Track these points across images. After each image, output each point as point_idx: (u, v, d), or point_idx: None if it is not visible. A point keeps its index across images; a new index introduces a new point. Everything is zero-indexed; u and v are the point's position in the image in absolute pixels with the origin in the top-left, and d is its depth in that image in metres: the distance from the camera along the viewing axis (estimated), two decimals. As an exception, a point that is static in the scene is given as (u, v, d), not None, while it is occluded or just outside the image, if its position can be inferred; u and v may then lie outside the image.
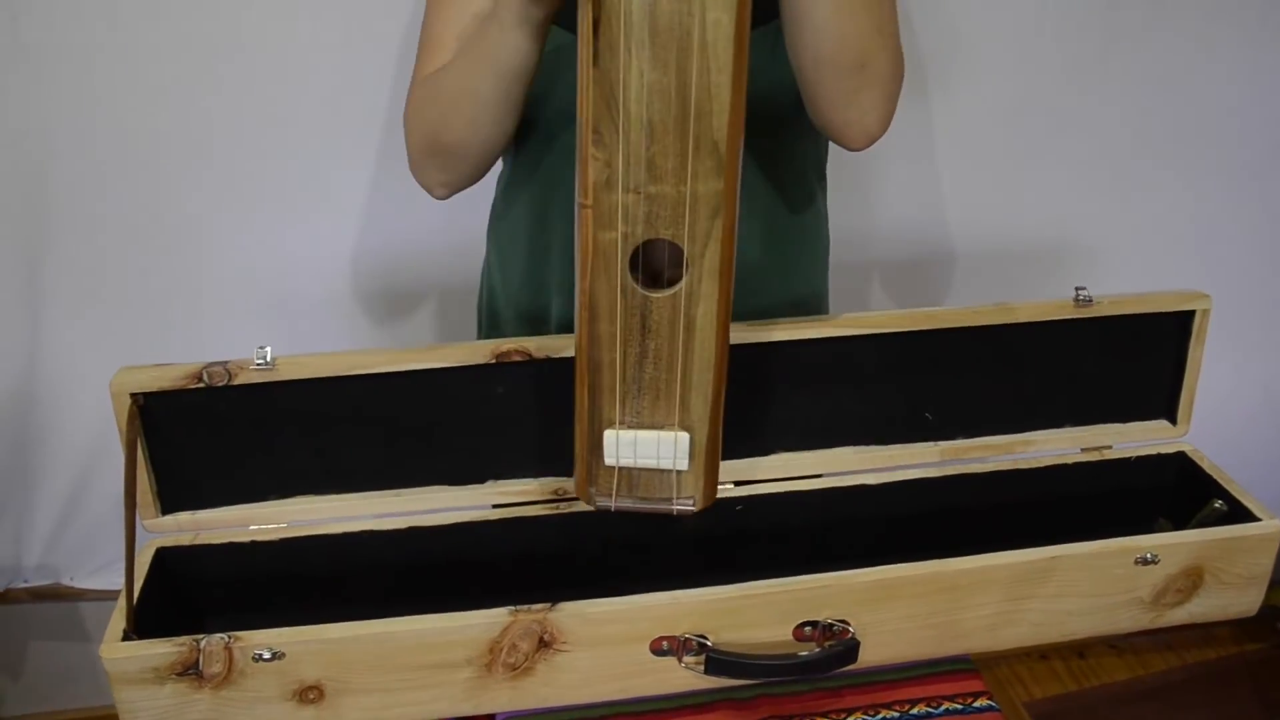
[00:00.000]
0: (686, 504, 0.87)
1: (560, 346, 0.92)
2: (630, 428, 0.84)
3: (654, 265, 0.79)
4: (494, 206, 1.15)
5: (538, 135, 1.03)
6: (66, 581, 1.61)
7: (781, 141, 1.04)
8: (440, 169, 0.98)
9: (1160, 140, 1.59)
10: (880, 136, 0.96)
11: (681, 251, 0.77)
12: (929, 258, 1.61)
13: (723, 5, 0.70)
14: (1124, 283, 1.62)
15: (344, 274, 1.46)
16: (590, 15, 0.70)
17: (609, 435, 0.84)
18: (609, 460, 0.85)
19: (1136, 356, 1.06)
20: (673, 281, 0.79)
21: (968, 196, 1.58)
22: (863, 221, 1.54)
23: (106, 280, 1.40)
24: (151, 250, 1.39)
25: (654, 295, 0.78)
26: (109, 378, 0.88)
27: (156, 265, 1.40)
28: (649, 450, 0.84)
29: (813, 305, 1.15)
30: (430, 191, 1.01)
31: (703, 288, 0.78)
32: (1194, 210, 1.65)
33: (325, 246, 1.44)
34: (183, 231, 1.39)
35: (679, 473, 0.86)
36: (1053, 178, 1.59)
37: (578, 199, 0.76)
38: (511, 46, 0.84)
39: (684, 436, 0.84)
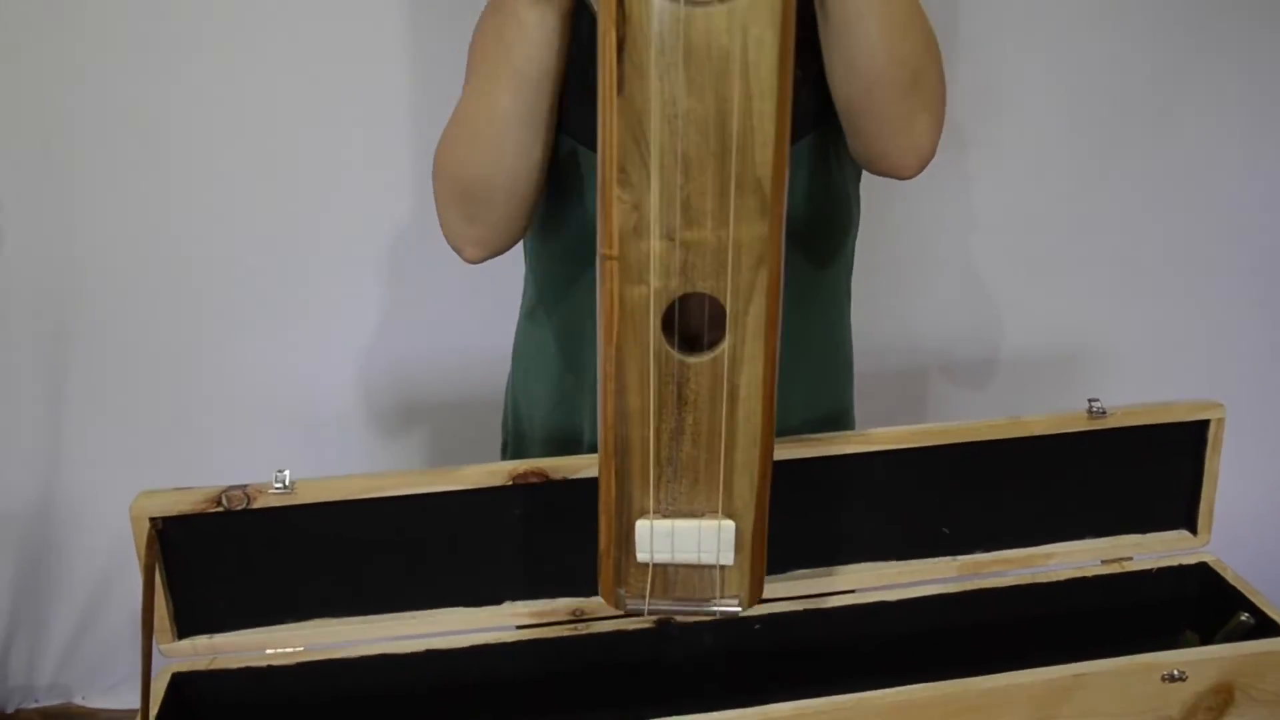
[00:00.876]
0: (731, 604, 0.77)
1: (577, 467, 0.92)
2: (666, 517, 0.73)
3: (689, 326, 0.70)
4: (519, 327, 1.16)
5: (562, 254, 1.03)
6: (79, 701, 1.60)
7: (808, 258, 1.04)
8: (468, 219, 0.93)
9: (1168, 246, 1.61)
10: (931, 159, 0.93)
11: (722, 308, 0.67)
12: (941, 365, 1.62)
13: (767, 19, 0.61)
14: (1138, 386, 1.63)
15: (365, 389, 1.48)
16: (614, 35, 0.62)
17: (641, 526, 0.74)
18: (641, 556, 0.75)
19: (1153, 467, 1.06)
20: (712, 344, 0.69)
21: (980, 304, 1.60)
22: (879, 330, 1.56)
23: (127, 397, 1.42)
24: (172, 368, 1.42)
25: (691, 360, 0.69)
26: (127, 495, 0.89)
27: (177, 382, 1.43)
28: (688, 543, 0.74)
29: (838, 420, 1.15)
30: (461, 252, 0.96)
31: (747, 350, 0.68)
32: (1203, 314, 1.66)
33: (347, 362, 1.46)
34: (203, 349, 1.42)
35: (723, 568, 0.75)
36: (1063, 285, 1.61)
37: (600, 249, 0.67)
38: (527, 41, 0.79)
39: (728, 525, 0.73)
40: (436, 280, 1.37)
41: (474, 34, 1.00)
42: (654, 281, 0.66)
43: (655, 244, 0.66)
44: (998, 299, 1.60)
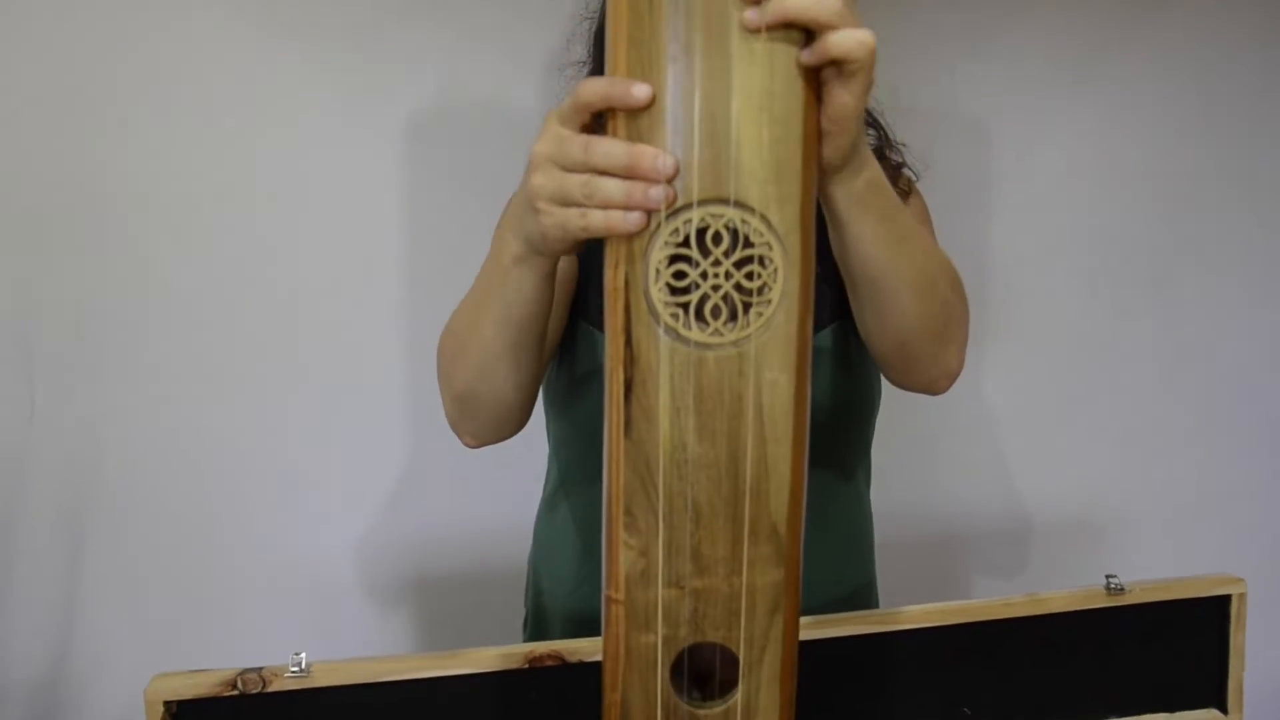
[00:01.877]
0: None
1: (596, 650, 0.92)
2: None
3: (700, 666, 0.67)
4: (541, 508, 1.17)
5: (583, 440, 1.05)
6: None
7: (829, 442, 1.05)
8: (461, 415, 0.96)
9: (1179, 411, 1.62)
10: (960, 373, 0.95)
11: (735, 656, 0.65)
12: (959, 533, 1.62)
13: (780, 364, 0.62)
14: (1158, 552, 1.63)
15: (385, 563, 1.48)
16: (622, 376, 0.63)
17: None
18: None
19: (1176, 643, 1.05)
20: (725, 686, 0.66)
21: (998, 472, 1.61)
22: (890, 502, 1.56)
23: (143, 570, 1.42)
24: (189, 541, 1.43)
25: (702, 711, 0.65)
26: (139, 668, 0.89)
27: (193, 554, 1.43)
28: None
29: (862, 598, 1.15)
30: (460, 438, 0.99)
31: (761, 699, 0.65)
32: (1219, 477, 1.66)
33: (366, 536, 1.47)
34: (222, 523, 1.43)
35: None
36: (1078, 452, 1.62)
37: (605, 589, 0.65)
38: (514, 287, 0.80)
39: None
40: (456, 455, 1.39)
41: (499, 222, 1.05)
42: (662, 630, 0.64)
43: (663, 592, 0.64)
44: (1015, 467, 1.61)
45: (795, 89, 0.63)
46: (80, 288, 1.35)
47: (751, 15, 0.60)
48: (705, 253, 0.63)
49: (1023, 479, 1.62)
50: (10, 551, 1.39)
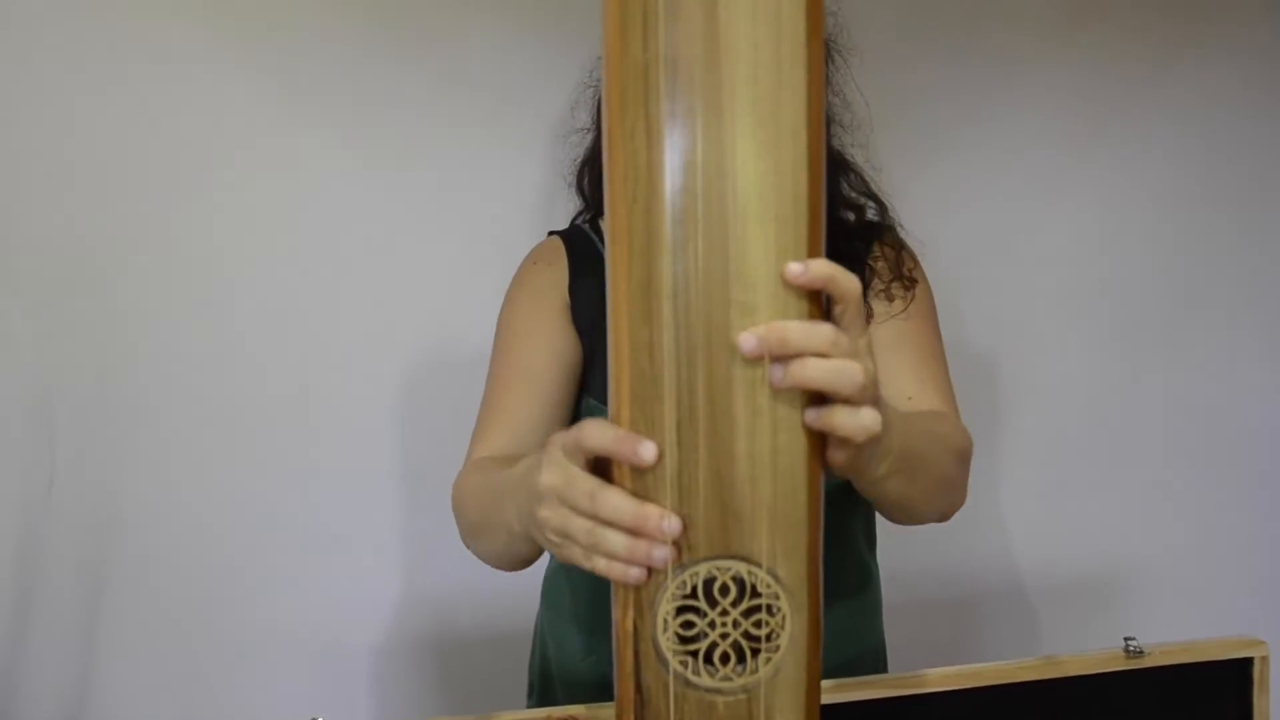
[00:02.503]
0: None
1: (609, 716, 0.93)
2: None
3: None
4: (548, 575, 1.18)
5: None
6: None
7: (833, 510, 1.06)
8: (479, 556, 0.99)
9: (1191, 470, 1.62)
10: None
11: None
12: (971, 595, 1.61)
13: (790, 706, 0.65)
14: (1173, 615, 1.61)
15: (394, 625, 1.50)
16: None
17: None
18: None
19: (1198, 707, 1.04)
20: None
21: (1006, 532, 1.60)
22: (904, 564, 1.56)
23: (159, 631, 1.44)
24: (206, 603, 1.44)
25: None
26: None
27: (210, 617, 1.45)
28: None
29: (870, 661, 1.15)
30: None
31: None
32: (1235, 537, 1.65)
33: (376, 597, 1.49)
34: (238, 585, 1.44)
35: None
36: (1090, 508, 1.61)
37: None
38: (518, 545, 0.82)
39: None
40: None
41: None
42: None
43: None
44: (1028, 527, 1.61)
45: (798, 443, 0.64)
46: (101, 359, 1.38)
47: (776, 375, 0.61)
48: (713, 603, 0.64)
49: (1036, 539, 1.61)
50: (30, 613, 1.40)
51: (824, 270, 0.61)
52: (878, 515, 1.17)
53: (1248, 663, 1.04)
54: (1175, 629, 1.07)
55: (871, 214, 1.18)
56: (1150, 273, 1.60)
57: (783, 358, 0.61)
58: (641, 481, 0.64)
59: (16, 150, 1.33)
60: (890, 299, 1.09)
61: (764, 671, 0.65)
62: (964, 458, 0.95)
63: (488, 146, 1.43)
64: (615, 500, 0.63)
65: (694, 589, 0.64)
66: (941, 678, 0.98)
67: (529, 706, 1.24)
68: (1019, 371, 1.56)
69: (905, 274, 1.11)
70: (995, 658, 1.01)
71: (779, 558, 0.64)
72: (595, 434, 0.64)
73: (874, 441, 0.67)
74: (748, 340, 0.61)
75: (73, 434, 1.38)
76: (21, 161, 1.34)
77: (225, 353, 1.41)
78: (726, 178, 0.62)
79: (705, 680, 0.65)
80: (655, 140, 0.62)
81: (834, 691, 0.97)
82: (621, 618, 0.66)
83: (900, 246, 1.14)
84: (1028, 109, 1.54)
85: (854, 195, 1.17)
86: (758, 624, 0.65)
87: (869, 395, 0.64)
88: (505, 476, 0.83)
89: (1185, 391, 1.61)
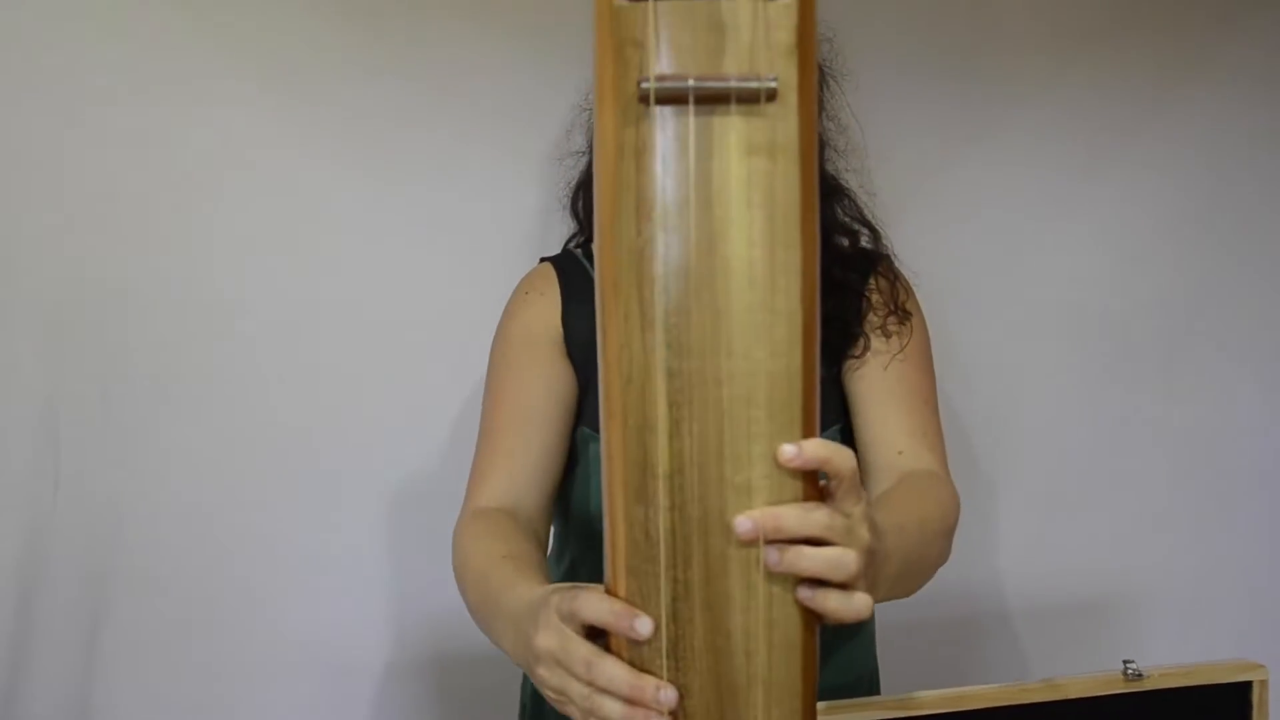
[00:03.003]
0: None
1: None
2: None
3: None
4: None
5: (588, 543, 1.07)
6: None
7: None
8: None
9: (1191, 497, 1.62)
10: None
11: None
12: (969, 617, 1.61)
13: None
14: (1171, 640, 1.61)
15: (393, 643, 1.49)
16: None
17: None
18: None
19: (1197, 731, 1.04)
20: None
21: (1005, 554, 1.60)
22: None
23: (161, 646, 1.43)
24: (207, 620, 1.44)
25: None
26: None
27: (212, 633, 1.44)
28: None
29: (864, 685, 1.15)
30: None
31: None
32: (1234, 563, 1.65)
33: (371, 614, 1.48)
34: (238, 601, 1.44)
35: None
36: (1087, 530, 1.61)
37: None
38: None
39: None
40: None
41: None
42: None
43: None
44: (1020, 544, 1.60)
45: (793, 616, 0.64)
46: (105, 369, 1.38)
47: (772, 559, 0.62)
48: None
49: (1033, 563, 1.61)
50: (31, 624, 1.40)
51: (818, 452, 0.63)
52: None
53: (1247, 687, 1.03)
54: (1173, 653, 1.06)
55: (865, 241, 1.18)
56: (1149, 297, 1.60)
57: (778, 542, 0.62)
58: (638, 651, 0.64)
59: (21, 161, 1.34)
60: (887, 335, 1.09)
61: None
62: (952, 530, 0.98)
63: (484, 168, 1.44)
64: (611, 670, 0.64)
65: None
66: (939, 700, 0.98)
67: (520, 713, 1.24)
68: (1016, 395, 1.57)
69: (900, 306, 1.12)
70: (992, 681, 1.01)
71: None
72: (592, 607, 0.65)
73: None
74: (743, 524, 0.62)
75: (76, 444, 1.38)
76: (26, 172, 1.34)
77: (228, 365, 1.41)
78: (721, 360, 0.62)
79: None
80: (648, 325, 0.62)
81: (827, 714, 0.96)
82: None
83: (895, 277, 1.15)
84: (1027, 134, 1.55)
85: (848, 220, 1.18)
86: None
87: (863, 575, 0.65)
88: (502, 601, 0.83)
89: (1184, 416, 1.61)
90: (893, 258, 1.18)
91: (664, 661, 0.64)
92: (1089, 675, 1.02)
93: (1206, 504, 1.62)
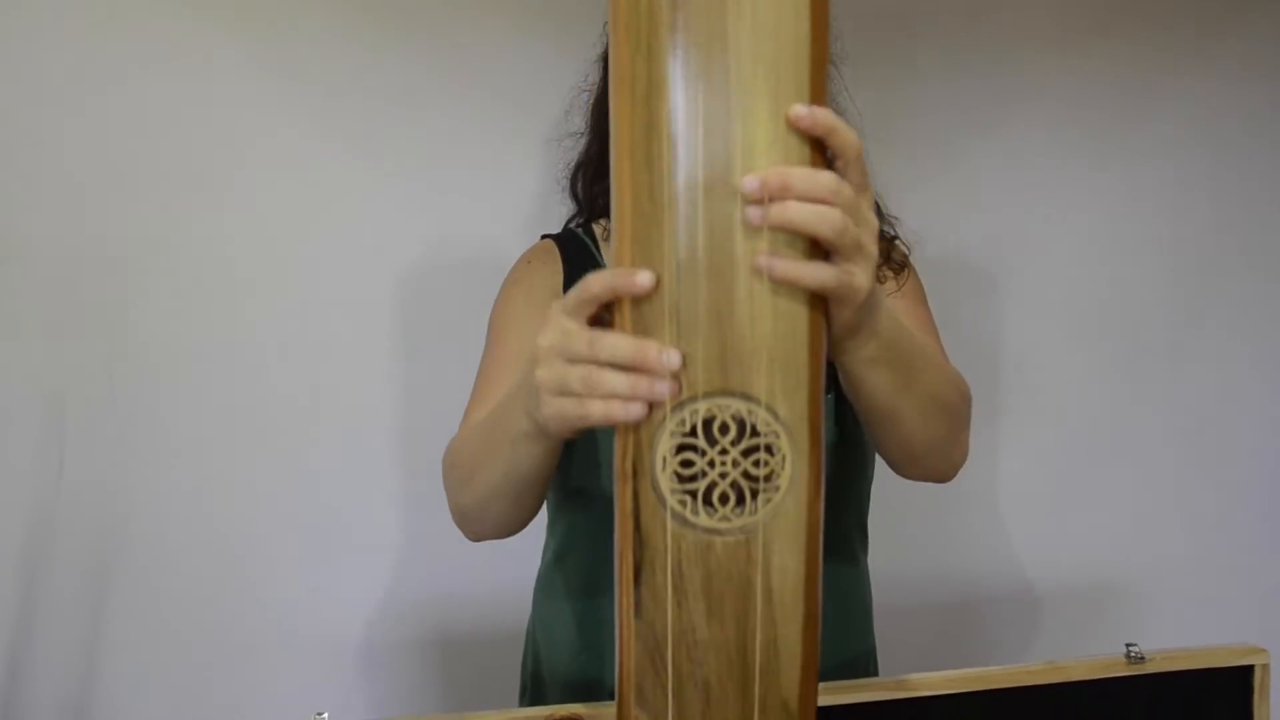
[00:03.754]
0: None
1: (612, 715, 0.92)
2: None
3: None
4: (542, 574, 1.17)
5: (591, 508, 1.06)
6: None
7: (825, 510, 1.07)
8: (464, 524, 0.99)
9: (1193, 482, 1.62)
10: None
11: None
12: (970, 601, 1.60)
13: (790, 548, 0.63)
14: (1173, 625, 1.61)
15: (393, 624, 1.49)
16: (631, 560, 0.64)
17: None
18: None
19: (1198, 714, 1.03)
20: None
21: (1006, 536, 1.60)
22: (904, 568, 1.55)
23: (164, 627, 1.43)
24: (209, 603, 1.44)
25: None
26: (160, 719, 0.89)
27: (213, 617, 1.44)
28: None
29: (861, 665, 1.14)
30: (463, 533, 1.01)
31: None
32: (1236, 548, 1.65)
33: (376, 593, 1.48)
34: (240, 585, 1.44)
35: None
36: (1090, 516, 1.61)
37: None
38: (523, 457, 0.81)
39: None
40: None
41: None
42: None
43: None
44: (1023, 531, 1.60)
45: (800, 289, 0.64)
46: (111, 355, 1.38)
47: (753, 214, 0.61)
48: (712, 442, 0.64)
49: (1038, 549, 1.61)
50: (34, 608, 1.41)
51: (827, 119, 0.62)
52: (869, 516, 1.17)
53: (1248, 670, 1.03)
54: (1176, 638, 1.06)
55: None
56: (1154, 285, 1.60)
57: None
58: (641, 320, 0.63)
59: (25, 146, 1.34)
60: (881, 280, 1.08)
61: (763, 513, 0.64)
62: (963, 393, 0.93)
63: (483, 150, 1.44)
64: (613, 339, 0.64)
65: (693, 427, 0.64)
66: (944, 681, 0.97)
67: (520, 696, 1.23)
68: (1023, 384, 1.56)
69: (896, 260, 1.12)
70: (994, 664, 1.00)
71: (779, 397, 0.64)
72: (595, 278, 0.64)
73: (861, 308, 0.67)
74: (750, 182, 0.61)
75: (81, 430, 1.38)
76: (30, 158, 1.34)
77: (231, 352, 1.41)
78: (730, 19, 0.62)
79: (703, 520, 0.63)
80: None
81: (826, 694, 0.95)
82: (621, 459, 0.64)
83: (891, 238, 1.15)
84: (1030, 122, 1.55)
85: None
86: (757, 463, 0.64)
87: (853, 245, 0.64)
88: (506, 393, 0.82)
89: (1187, 403, 1.61)
90: (891, 219, 1.17)
91: (666, 326, 0.63)
92: (1091, 658, 1.01)
93: (1210, 491, 1.62)
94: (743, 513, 0.64)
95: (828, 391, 1.05)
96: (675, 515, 0.63)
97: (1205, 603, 1.64)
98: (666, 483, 0.64)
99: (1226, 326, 1.62)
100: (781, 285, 0.63)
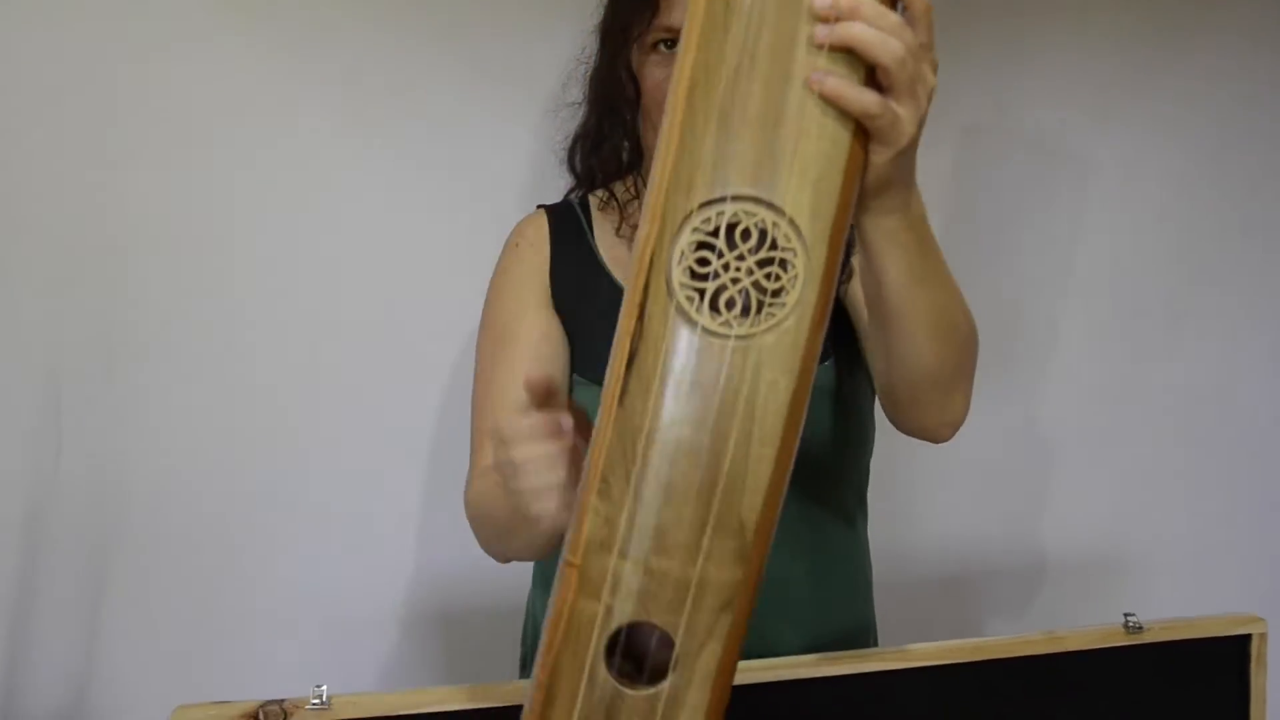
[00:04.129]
0: None
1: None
2: None
3: (638, 648, 0.66)
4: None
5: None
6: None
7: (824, 480, 1.07)
8: (512, 556, 0.99)
9: (1194, 450, 1.62)
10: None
11: (673, 644, 0.64)
12: (969, 574, 1.61)
13: (782, 365, 0.63)
14: (1173, 594, 1.62)
15: (395, 598, 1.50)
16: (626, 347, 0.64)
17: None
18: None
19: (1196, 683, 1.04)
20: (657, 673, 0.64)
21: (1006, 511, 1.60)
22: (903, 540, 1.56)
23: (165, 601, 1.44)
24: (210, 576, 1.44)
25: (628, 692, 0.64)
26: (161, 701, 0.90)
27: (214, 590, 1.45)
28: None
29: (860, 637, 1.15)
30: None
31: (690, 696, 0.63)
32: (1236, 516, 1.65)
33: (376, 569, 1.49)
34: (242, 559, 1.45)
35: None
36: (1090, 488, 1.61)
37: (564, 553, 0.65)
38: (534, 533, 0.79)
39: None
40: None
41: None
42: (606, 599, 0.63)
43: (617, 563, 0.63)
44: (1029, 506, 1.60)
45: (847, 117, 0.65)
46: (109, 326, 1.38)
47: (820, 30, 0.63)
48: (731, 245, 0.64)
49: (1037, 518, 1.61)
50: (35, 582, 1.41)
51: None
52: (869, 489, 1.17)
53: (1246, 639, 1.03)
54: (1175, 609, 1.06)
55: None
56: (1159, 254, 1.59)
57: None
58: (691, 115, 0.64)
59: (21, 120, 1.33)
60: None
61: (764, 327, 0.64)
62: (972, 327, 0.91)
63: (482, 121, 1.43)
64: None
65: (717, 228, 0.64)
66: (941, 651, 0.98)
67: (520, 667, 1.25)
68: (1025, 349, 1.56)
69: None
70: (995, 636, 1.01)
71: (805, 214, 0.64)
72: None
73: (899, 159, 0.70)
74: (823, 0, 0.63)
75: (80, 403, 1.38)
76: (26, 132, 1.33)
77: (229, 322, 1.41)
78: None
79: (705, 321, 0.64)
80: None
81: (826, 665, 0.96)
82: (642, 248, 0.65)
83: None
84: (1035, 90, 1.54)
85: None
86: (769, 276, 0.64)
87: (908, 83, 0.66)
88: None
89: (1188, 373, 1.61)
90: None
91: (714, 123, 0.64)
92: (1089, 628, 1.01)
93: (1209, 461, 1.63)
94: (745, 323, 0.64)
95: (824, 359, 1.06)
96: (680, 310, 0.64)
97: (1204, 573, 1.64)
98: (679, 276, 0.64)
99: (1227, 297, 1.62)
100: (830, 106, 0.64)
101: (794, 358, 0.63)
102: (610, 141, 1.13)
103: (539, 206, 1.18)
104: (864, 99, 0.64)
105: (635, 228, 1.06)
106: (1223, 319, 1.62)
